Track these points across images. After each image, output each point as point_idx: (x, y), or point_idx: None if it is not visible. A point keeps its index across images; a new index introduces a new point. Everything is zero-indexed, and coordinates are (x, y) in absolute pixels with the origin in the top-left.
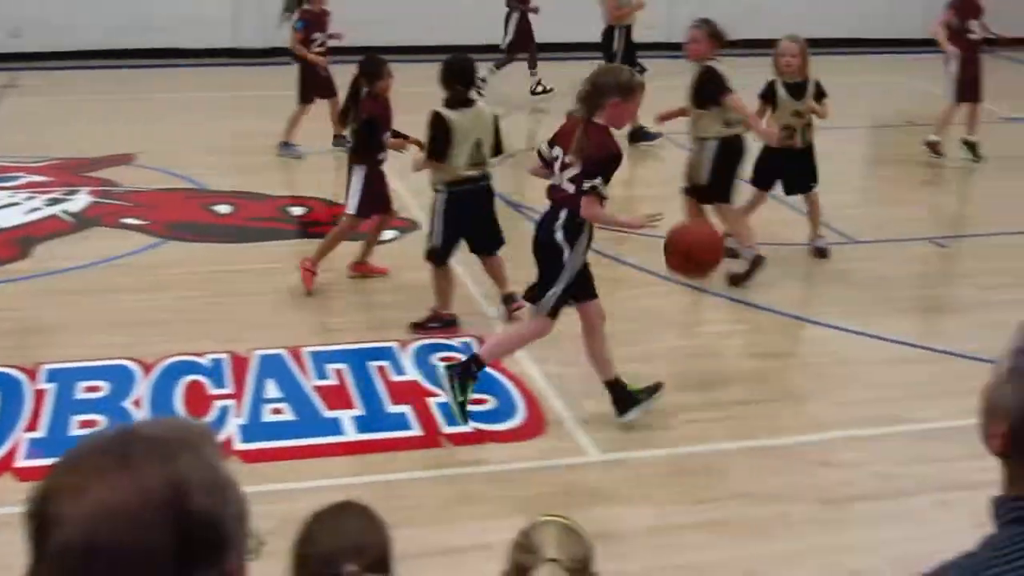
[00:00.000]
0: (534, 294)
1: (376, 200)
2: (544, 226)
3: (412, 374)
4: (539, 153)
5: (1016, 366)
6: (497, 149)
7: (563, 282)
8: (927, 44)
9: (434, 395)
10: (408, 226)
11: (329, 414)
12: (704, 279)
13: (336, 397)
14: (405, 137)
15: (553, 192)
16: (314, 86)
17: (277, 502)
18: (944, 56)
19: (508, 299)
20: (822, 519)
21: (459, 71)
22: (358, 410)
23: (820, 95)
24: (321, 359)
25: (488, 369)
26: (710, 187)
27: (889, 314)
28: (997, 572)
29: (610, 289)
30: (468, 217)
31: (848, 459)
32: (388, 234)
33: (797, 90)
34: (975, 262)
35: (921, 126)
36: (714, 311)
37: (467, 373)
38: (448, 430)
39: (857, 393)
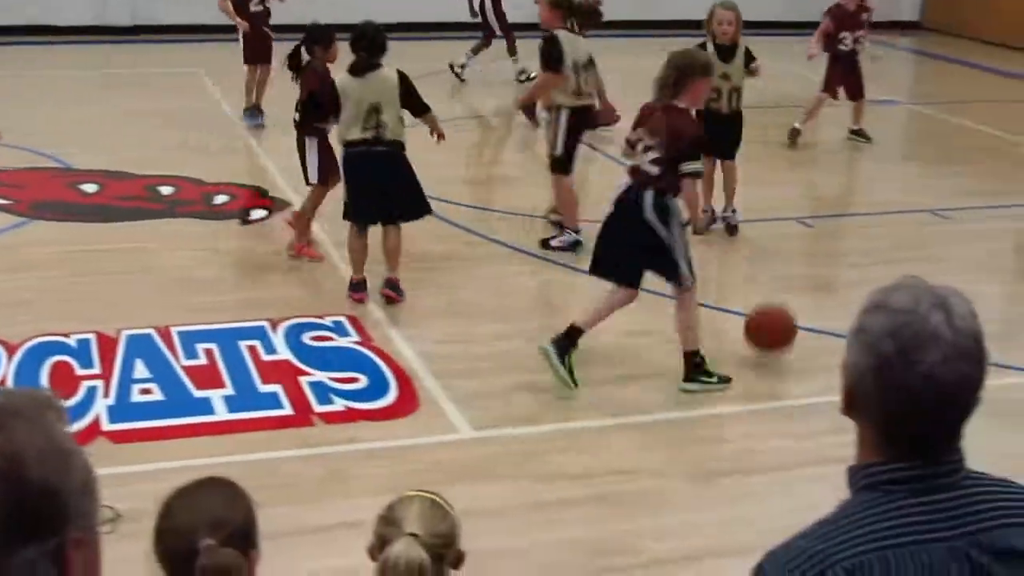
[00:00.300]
0: (608, 270)
1: (332, 165)
2: (629, 206)
3: (283, 353)
4: (627, 140)
5: (860, 325)
6: (417, 109)
7: (680, 256)
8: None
9: (306, 374)
10: (277, 206)
11: (199, 394)
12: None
13: (206, 377)
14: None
15: (634, 172)
16: (252, 49)
17: (146, 482)
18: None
19: (389, 283)
20: (695, 494)
21: (360, 37)
22: (229, 390)
23: (750, 59)
24: (191, 339)
25: (361, 348)
26: (555, 158)
27: (761, 292)
28: (845, 536)
29: (479, 266)
30: (364, 181)
31: (720, 435)
32: (258, 213)
33: (727, 53)
34: (846, 242)
35: (795, 107)
36: (586, 290)
37: (568, 344)
38: (319, 409)
39: (729, 370)
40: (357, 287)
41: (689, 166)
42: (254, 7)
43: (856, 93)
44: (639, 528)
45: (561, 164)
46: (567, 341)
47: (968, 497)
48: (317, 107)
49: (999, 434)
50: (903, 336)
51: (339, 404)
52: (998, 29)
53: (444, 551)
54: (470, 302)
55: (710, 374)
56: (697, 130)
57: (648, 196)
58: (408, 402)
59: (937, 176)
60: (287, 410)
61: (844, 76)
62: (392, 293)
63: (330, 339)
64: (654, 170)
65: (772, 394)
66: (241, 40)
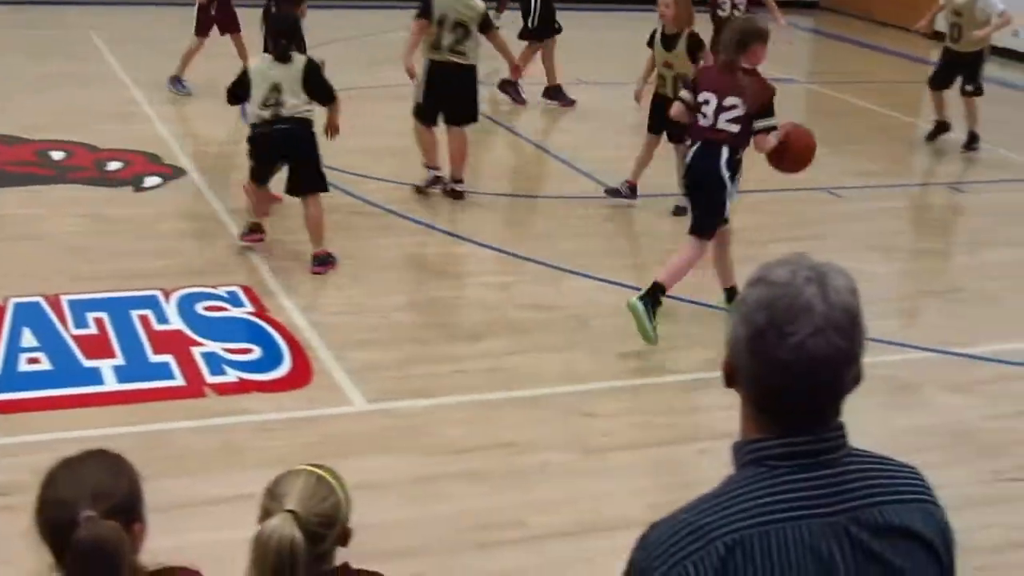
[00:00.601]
0: (695, 223)
1: None
2: (706, 163)
3: (176, 323)
4: (683, 100)
5: (740, 298)
6: (324, 97)
7: (725, 211)
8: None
9: (198, 344)
10: (172, 173)
11: (89, 363)
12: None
13: (96, 346)
14: None
15: (708, 132)
16: (208, 19)
17: (33, 453)
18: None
19: (316, 259)
20: (583, 468)
21: (278, 24)
22: (119, 360)
23: (693, 47)
24: (81, 307)
25: (255, 318)
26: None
27: (656, 268)
28: (726, 511)
29: (375, 236)
30: (266, 158)
31: (609, 409)
32: (152, 180)
33: (669, 41)
34: (742, 218)
35: None
36: (482, 263)
37: (655, 301)
38: (212, 380)
39: (620, 345)
40: (251, 230)
41: (766, 122)
42: None
43: None
44: (526, 502)
45: (418, 111)
46: (651, 298)
47: (849, 474)
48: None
49: (893, 411)
50: (776, 308)
51: (232, 375)
52: (894, 11)
53: (324, 531)
54: (364, 273)
55: (653, 318)
56: (773, 89)
57: (725, 151)
58: (302, 373)
59: (833, 155)
60: (179, 381)
61: None
62: (319, 269)
63: (224, 309)
64: (734, 128)
65: (661, 368)
66: (197, 8)
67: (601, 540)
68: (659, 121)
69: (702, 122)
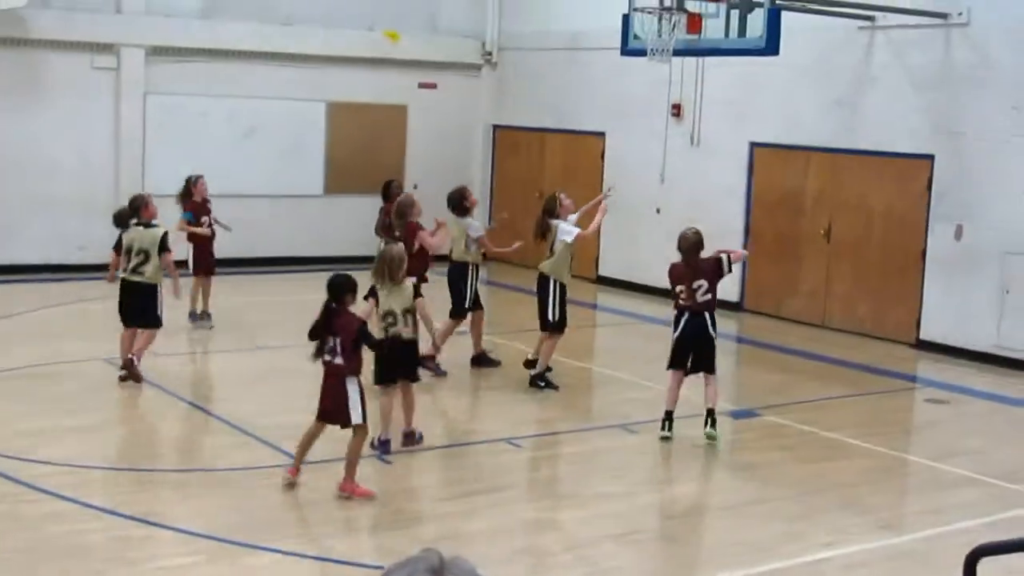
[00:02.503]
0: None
1: None
2: (699, 327)
3: None
4: (679, 292)
5: None
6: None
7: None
8: None
9: None
10: None
11: None
12: None
13: None
14: None
15: (695, 306)
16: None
17: None
18: None
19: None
20: None
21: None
22: None
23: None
24: None
25: None
26: None
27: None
28: None
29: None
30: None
31: None
32: None
33: None
34: (425, 476)
35: None
36: (161, 545)
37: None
38: None
39: None
40: None
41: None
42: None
43: None
44: None
45: None
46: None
47: None
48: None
49: None
50: None
51: None
52: None
53: None
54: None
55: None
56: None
57: (708, 318)
58: None
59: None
60: None
61: None
62: None
63: None
64: (708, 298)
65: None
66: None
67: None
68: None
69: (685, 301)
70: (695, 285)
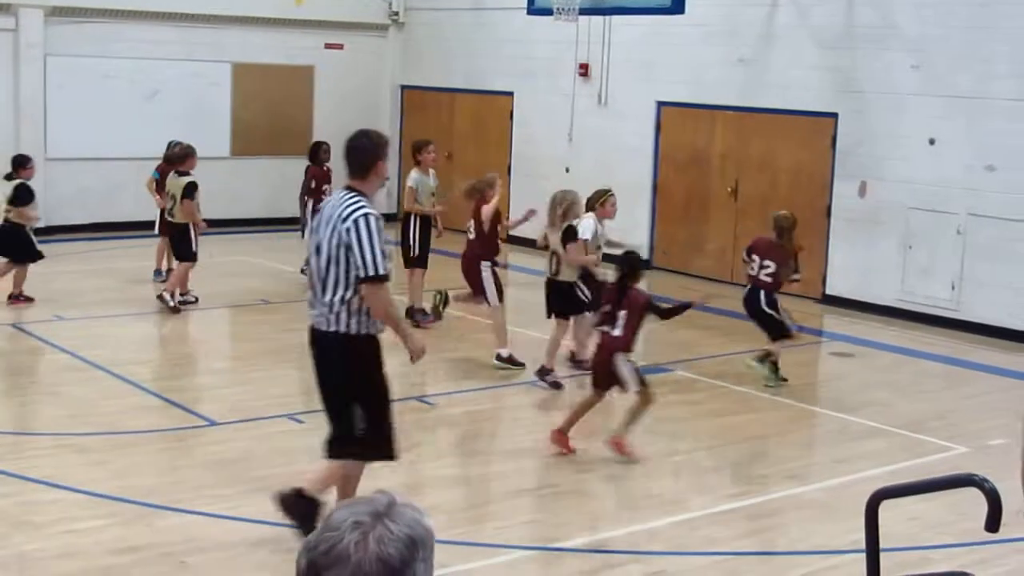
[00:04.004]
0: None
1: None
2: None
3: None
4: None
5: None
6: None
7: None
8: None
9: None
10: None
11: None
12: None
13: None
14: None
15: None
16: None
17: None
18: None
19: None
20: None
21: None
22: None
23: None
24: None
25: None
26: None
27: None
28: None
29: None
30: None
31: None
32: None
33: None
34: None
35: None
36: (68, 508)
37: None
38: None
39: None
40: None
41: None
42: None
43: None
44: None
45: None
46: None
47: None
48: None
49: None
50: (317, 552)
51: None
52: None
53: None
54: None
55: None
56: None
57: (763, 294)
58: None
59: None
60: None
61: None
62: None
63: None
64: (769, 279)
65: None
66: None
67: None
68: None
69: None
70: (765, 263)
